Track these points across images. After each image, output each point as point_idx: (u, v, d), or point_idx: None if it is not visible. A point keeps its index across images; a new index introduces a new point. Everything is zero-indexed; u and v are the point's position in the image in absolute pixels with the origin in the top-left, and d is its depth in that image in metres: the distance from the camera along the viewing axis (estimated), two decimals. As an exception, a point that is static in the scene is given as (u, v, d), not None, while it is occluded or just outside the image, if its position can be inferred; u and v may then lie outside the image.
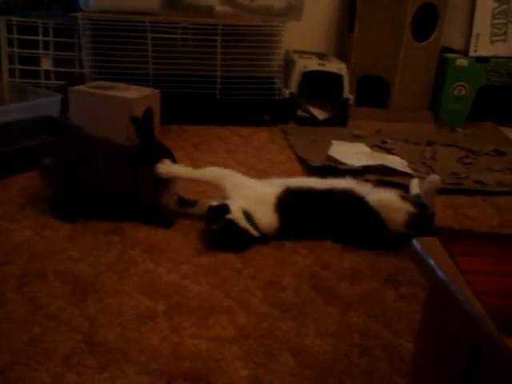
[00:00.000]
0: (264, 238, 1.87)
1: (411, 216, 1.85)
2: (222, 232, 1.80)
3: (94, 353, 1.33)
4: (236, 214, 1.82)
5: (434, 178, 1.95)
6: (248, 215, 1.84)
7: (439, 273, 0.85)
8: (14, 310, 1.46)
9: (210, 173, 2.01)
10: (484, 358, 0.78)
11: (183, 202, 2.06)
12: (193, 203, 2.05)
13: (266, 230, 1.87)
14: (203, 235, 1.90)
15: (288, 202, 1.90)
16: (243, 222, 1.82)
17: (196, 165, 2.49)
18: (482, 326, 0.75)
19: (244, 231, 1.82)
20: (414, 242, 0.93)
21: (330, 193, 1.94)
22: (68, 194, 1.97)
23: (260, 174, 2.42)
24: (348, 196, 1.93)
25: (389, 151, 2.78)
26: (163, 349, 1.36)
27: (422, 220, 1.86)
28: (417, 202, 1.92)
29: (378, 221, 1.88)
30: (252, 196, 1.91)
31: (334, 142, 2.80)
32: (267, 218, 1.87)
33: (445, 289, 0.83)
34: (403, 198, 1.92)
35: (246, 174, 2.31)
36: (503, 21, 3.25)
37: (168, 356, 1.33)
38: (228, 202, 1.87)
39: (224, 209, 1.83)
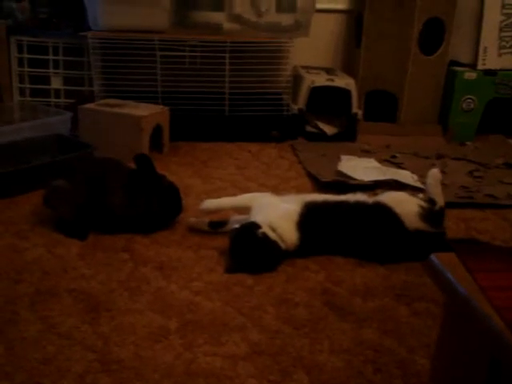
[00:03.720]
0: (286, 254, 1.87)
1: (423, 208, 1.91)
2: (260, 246, 1.81)
3: (108, 371, 1.32)
4: (265, 228, 1.83)
5: (434, 171, 2.01)
6: (273, 229, 1.84)
7: (459, 288, 0.85)
8: (27, 329, 1.46)
9: (246, 198, 2.07)
10: (504, 372, 0.78)
11: (215, 225, 2.05)
12: (223, 223, 2.05)
13: (288, 245, 1.87)
14: (227, 256, 1.88)
15: (309, 218, 1.91)
16: (273, 235, 1.83)
17: (206, 181, 2.51)
18: (503, 341, 0.75)
19: (275, 243, 1.82)
20: (432, 257, 0.92)
21: (345, 205, 1.96)
22: (78, 215, 1.98)
23: (271, 190, 2.41)
24: (362, 204, 1.96)
25: (398, 165, 2.78)
26: (176, 366, 1.35)
27: (433, 212, 1.91)
28: (425, 198, 1.97)
29: (396, 220, 1.90)
30: (276, 213, 1.91)
31: (344, 157, 2.80)
32: (290, 233, 1.87)
33: (465, 304, 0.83)
34: (411, 194, 2.01)
35: (256, 190, 2.33)
36: (511, 34, 3.25)
37: (181, 374, 1.33)
38: (253, 219, 1.88)
39: (254, 226, 1.84)
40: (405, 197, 1.98)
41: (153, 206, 2.00)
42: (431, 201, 1.94)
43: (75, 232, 1.97)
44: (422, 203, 1.93)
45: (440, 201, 1.95)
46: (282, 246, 1.84)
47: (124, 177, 2.03)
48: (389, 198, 1.97)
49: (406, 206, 1.92)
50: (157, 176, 2.05)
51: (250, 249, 1.81)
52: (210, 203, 2.04)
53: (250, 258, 1.81)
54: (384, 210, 1.92)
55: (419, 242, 1.87)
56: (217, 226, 2.05)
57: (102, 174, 2.01)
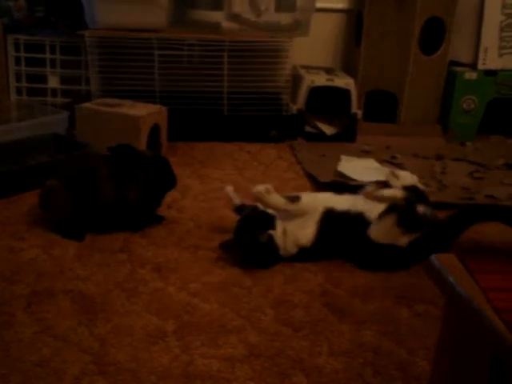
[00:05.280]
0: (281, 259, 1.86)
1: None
2: (262, 246, 1.79)
3: (105, 373, 1.31)
4: (279, 230, 1.82)
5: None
6: (284, 235, 1.83)
7: (460, 290, 0.84)
8: (22, 331, 1.45)
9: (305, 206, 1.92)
10: (506, 374, 0.77)
11: (240, 209, 1.99)
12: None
13: (286, 253, 1.85)
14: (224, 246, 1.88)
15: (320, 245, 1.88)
16: (279, 241, 1.81)
17: (204, 182, 2.49)
18: (504, 342, 0.75)
19: (275, 250, 1.81)
20: (433, 258, 0.92)
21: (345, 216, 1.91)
22: (74, 213, 1.97)
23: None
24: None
25: (398, 166, 2.76)
26: (173, 369, 1.34)
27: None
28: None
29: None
30: (299, 229, 1.87)
31: (343, 158, 2.78)
32: (293, 248, 1.86)
33: (465, 306, 0.82)
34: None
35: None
36: (511, 34, 3.24)
37: (179, 376, 1.31)
38: (271, 212, 1.86)
39: (270, 219, 1.82)
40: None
41: (139, 180, 1.99)
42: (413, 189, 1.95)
43: (72, 233, 1.95)
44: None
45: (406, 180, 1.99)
46: (282, 252, 1.83)
47: (109, 167, 2.01)
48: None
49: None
50: (137, 153, 2.04)
51: (250, 243, 1.80)
52: (272, 199, 1.87)
53: (246, 250, 1.81)
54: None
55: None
56: (242, 211, 1.98)
57: (88, 170, 2.00)
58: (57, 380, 1.28)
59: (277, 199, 1.87)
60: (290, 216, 1.88)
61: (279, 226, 1.83)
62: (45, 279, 1.69)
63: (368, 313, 1.61)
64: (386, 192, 1.89)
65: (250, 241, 1.80)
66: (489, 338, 0.78)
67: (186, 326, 1.50)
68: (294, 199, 1.90)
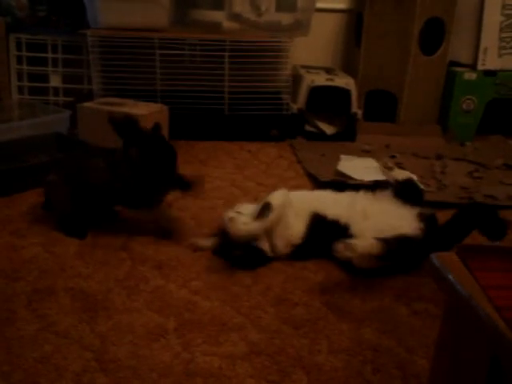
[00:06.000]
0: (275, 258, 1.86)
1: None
2: (244, 258, 1.79)
3: (105, 370, 1.31)
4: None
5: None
6: (272, 237, 1.83)
7: (459, 288, 0.84)
8: (24, 328, 1.45)
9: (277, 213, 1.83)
10: (505, 372, 0.77)
11: None
12: None
13: (280, 253, 1.86)
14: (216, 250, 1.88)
15: (311, 241, 1.88)
16: (263, 244, 1.81)
17: (205, 180, 2.48)
18: (504, 340, 0.75)
19: (261, 251, 1.81)
20: (433, 257, 0.92)
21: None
22: (74, 207, 1.97)
23: (269, 189, 2.41)
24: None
25: (398, 166, 2.77)
26: (174, 366, 1.34)
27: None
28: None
29: None
30: (285, 227, 1.86)
31: (343, 157, 2.79)
32: (287, 244, 1.86)
33: (465, 304, 0.82)
34: None
35: (254, 189, 2.30)
36: (511, 34, 3.25)
37: (180, 373, 1.32)
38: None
39: None
40: None
41: (133, 158, 1.89)
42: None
43: (74, 230, 1.96)
44: None
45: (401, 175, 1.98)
46: (270, 254, 1.83)
47: (104, 157, 1.97)
48: None
49: None
50: (137, 129, 1.92)
51: (229, 258, 1.81)
52: (243, 230, 1.77)
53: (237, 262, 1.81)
54: None
55: None
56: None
57: (84, 163, 1.98)
58: (58, 376, 1.29)
59: (244, 229, 1.77)
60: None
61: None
62: (46, 277, 1.69)
63: (367, 311, 1.61)
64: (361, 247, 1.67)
65: (227, 255, 1.82)
66: (488, 336, 0.79)
67: (186, 323, 1.50)
68: (264, 212, 1.80)
